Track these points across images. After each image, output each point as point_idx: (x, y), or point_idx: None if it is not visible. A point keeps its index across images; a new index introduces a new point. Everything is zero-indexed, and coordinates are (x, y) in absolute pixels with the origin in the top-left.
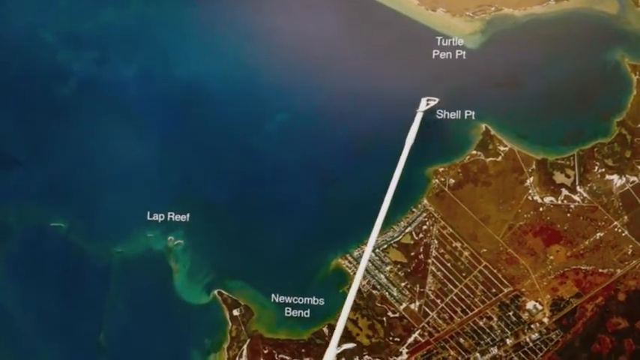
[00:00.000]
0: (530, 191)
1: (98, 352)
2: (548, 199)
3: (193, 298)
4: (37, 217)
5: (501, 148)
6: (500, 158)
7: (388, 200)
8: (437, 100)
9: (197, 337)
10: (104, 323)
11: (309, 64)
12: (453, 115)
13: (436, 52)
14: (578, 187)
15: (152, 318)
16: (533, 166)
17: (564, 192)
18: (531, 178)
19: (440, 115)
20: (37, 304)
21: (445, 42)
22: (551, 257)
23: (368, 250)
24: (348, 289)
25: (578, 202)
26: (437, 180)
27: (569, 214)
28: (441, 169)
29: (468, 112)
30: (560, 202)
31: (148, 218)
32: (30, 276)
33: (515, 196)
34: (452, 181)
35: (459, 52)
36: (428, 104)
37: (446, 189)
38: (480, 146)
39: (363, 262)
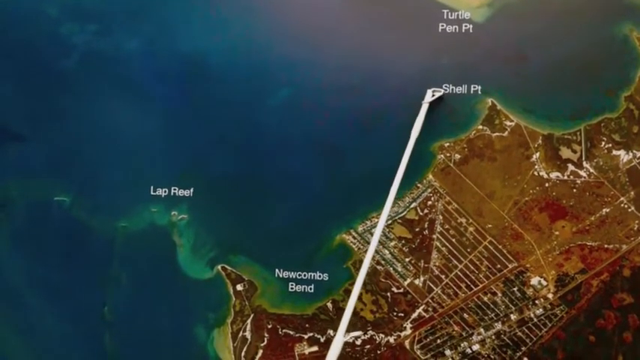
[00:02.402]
0: (536, 166)
1: (102, 326)
2: (554, 175)
3: (197, 272)
4: (41, 191)
5: (507, 123)
6: (506, 133)
7: (394, 190)
8: (442, 91)
9: (201, 311)
10: (108, 298)
11: (313, 38)
12: (459, 90)
13: (442, 26)
14: (584, 163)
15: (156, 293)
16: (540, 141)
17: (570, 167)
18: (537, 154)
19: (446, 90)
20: (41, 279)
21: (451, 15)
22: (557, 233)
23: (377, 235)
24: (352, 264)
25: (585, 177)
26: (442, 155)
27: (575, 190)
28: (446, 145)
29: (474, 87)
30: (566, 177)
31: (152, 193)
32: (34, 250)
33: (521, 172)
34: (457, 156)
35: (465, 26)
36: (434, 95)
37: (451, 164)
38: (485, 121)
39: (371, 250)
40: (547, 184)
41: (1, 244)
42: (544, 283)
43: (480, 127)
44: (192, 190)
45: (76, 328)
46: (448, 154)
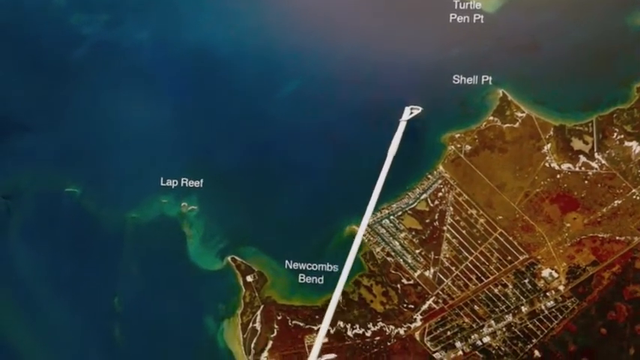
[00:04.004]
0: (547, 158)
1: (112, 317)
2: (565, 166)
3: (207, 264)
4: (51, 182)
5: (519, 114)
6: (517, 124)
7: (372, 206)
8: (421, 109)
9: (211, 302)
10: (118, 289)
11: (322, 30)
12: (469, 81)
13: (453, 16)
14: (596, 154)
15: (166, 284)
16: (551, 133)
17: (582, 159)
18: (549, 145)
19: (456, 81)
20: (52, 270)
21: (463, 5)
22: (568, 225)
23: (358, 238)
24: (363, 255)
25: (596, 169)
26: (453, 146)
27: (586, 181)
28: (457, 136)
29: (485, 78)
30: (577, 169)
31: (162, 184)
32: (44, 241)
33: (532, 163)
34: (468, 147)
35: (476, 16)
36: (412, 113)
37: (462, 155)
38: (496, 112)
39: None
40: (558, 176)
41: (12, 235)
42: (555, 275)
43: (491, 118)
44: (202, 181)
45: (86, 319)
46: (459, 145)
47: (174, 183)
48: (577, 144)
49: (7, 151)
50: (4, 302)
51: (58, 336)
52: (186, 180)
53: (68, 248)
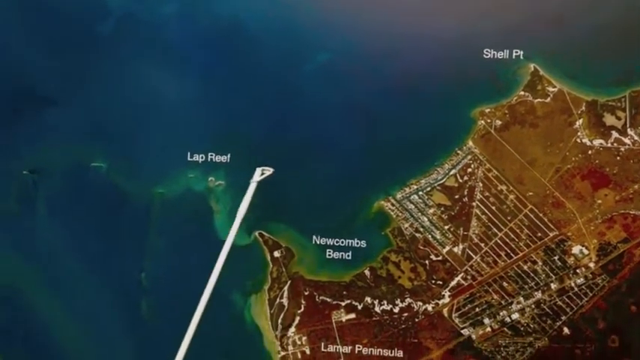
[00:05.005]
0: (579, 133)
1: (139, 292)
2: (597, 142)
3: (234, 239)
4: (77, 157)
5: (550, 89)
6: (548, 99)
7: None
8: (272, 170)
9: (238, 278)
10: (145, 263)
11: (351, 3)
12: (500, 55)
13: None
14: (629, 130)
15: (193, 259)
16: (583, 108)
17: (614, 134)
18: (580, 120)
19: (487, 55)
20: (78, 245)
21: None
22: (599, 201)
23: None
24: (391, 231)
25: (629, 144)
26: (483, 121)
27: (618, 157)
28: (487, 111)
29: (516, 52)
30: (609, 144)
31: (189, 159)
32: (70, 216)
33: (564, 139)
34: (498, 122)
35: None
36: (263, 174)
37: (492, 131)
38: (528, 87)
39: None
40: (590, 152)
41: (39, 209)
42: (585, 252)
43: (522, 92)
44: (229, 155)
45: (113, 294)
46: (489, 120)
47: (202, 158)
48: (609, 119)
49: (34, 125)
50: (31, 276)
51: (85, 310)
52: (213, 155)
53: (95, 223)
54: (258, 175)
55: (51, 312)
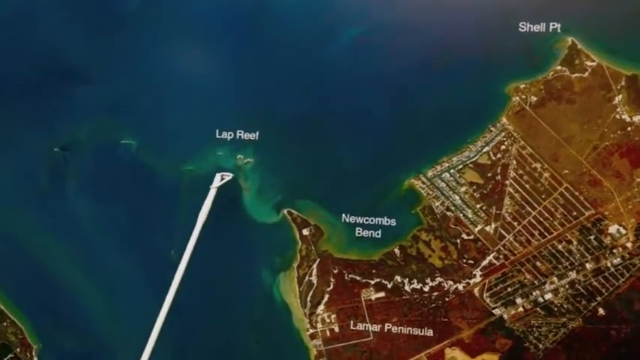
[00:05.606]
0: (618, 109)
1: (169, 269)
2: (637, 118)
3: (263, 216)
4: (107, 134)
5: (588, 64)
6: (586, 74)
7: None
8: (231, 175)
9: (267, 255)
10: (175, 240)
11: None
12: (536, 28)
13: None
14: None
15: (222, 236)
16: (623, 83)
17: None
18: (620, 96)
19: (523, 28)
20: (109, 222)
21: None
22: (638, 180)
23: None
24: (421, 210)
25: None
26: (517, 97)
27: None
28: (522, 86)
29: (554, 25)
30: None
31: (217, 136)
32: (101, 193)
33: (602, 115)
34: (534, 98)
35: None
36: (223, 179)
37: (527, 107)
38: (565, 61)
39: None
40: (629, 128)
41: (69, 186)
42: (623, 231)
43: (559, 67)
44: (257, 133)
45: (143, 271)
46: (524, 97)
47: (230, 135)
48: None
49: (64, 103)
50: (62, 253)
51: (115, 288)
52: (242, 132)
53: (125, 200)
54: (217, 181)
55: (81, 289)
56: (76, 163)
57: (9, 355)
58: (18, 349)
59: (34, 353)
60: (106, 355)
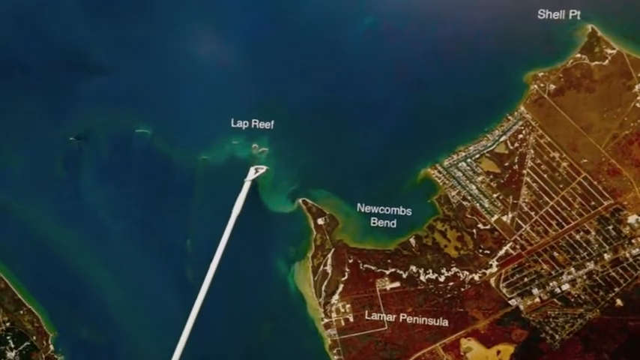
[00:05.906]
0: (638, 98)
1: (184, 258)
2: None
3: (278, 206)
4: (122, 123)
5: (608, 51)
6: (606, 62)
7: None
8: (265, 167)
9: (282, 245)
10: (190, 230)
11: None
12: (555, 15)
13: None
14: None
15: (237, 225)
16: None
17: None
18: None
19: (542, 15)
20: (124, 211)
21: None
22: None
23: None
24: (437, 199)
25: None
26: (536, 85)
27: None
28: (540, 74)
29: (573, 12)
30: None
31: (232, 125)
32: (117, 182)
33: (622, 103)
34: (552, 86)
35: None
36: (257, 172)
37: (545, 95)
38: (584, 49)
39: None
40: None
41: (85, 176)
42: None
43: (578, 55)
44: (273, 122)
45: (159, 261)
46: (542, 85)
47: (245, 124)
48: None
49: (79, 92)
50: (78, 241)
51: (131, 277)
52: (257, 121)
53: (140, 189)
54: (252, 174)
55: (96, 277)
56: (91, 152)
57: (25, 343)
58: (34, 337)
59: (50, 341)
60: (123, 343)
